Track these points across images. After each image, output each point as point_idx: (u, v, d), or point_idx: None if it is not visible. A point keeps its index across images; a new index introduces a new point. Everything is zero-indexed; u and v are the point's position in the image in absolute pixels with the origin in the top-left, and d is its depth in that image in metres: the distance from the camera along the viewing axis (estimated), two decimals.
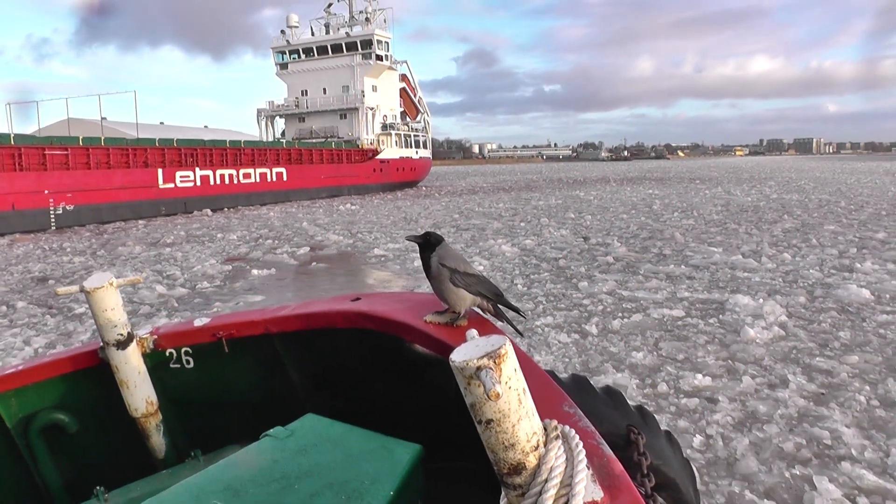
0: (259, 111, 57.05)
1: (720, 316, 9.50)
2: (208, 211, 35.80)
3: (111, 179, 32.25)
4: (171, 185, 35.60)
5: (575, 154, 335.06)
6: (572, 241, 18.39)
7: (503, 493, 1.22)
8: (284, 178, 43.61)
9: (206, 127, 58.05)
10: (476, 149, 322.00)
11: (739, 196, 34.92)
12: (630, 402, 2.54)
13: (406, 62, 61.34)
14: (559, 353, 8.01)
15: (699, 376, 6.97)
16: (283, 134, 57.28)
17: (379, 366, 2.61)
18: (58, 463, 2.67)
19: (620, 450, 1.48)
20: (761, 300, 10.12)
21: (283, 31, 56.60)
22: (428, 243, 2.41)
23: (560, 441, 1.24)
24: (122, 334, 2.53)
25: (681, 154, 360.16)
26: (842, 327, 8.77)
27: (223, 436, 2.49)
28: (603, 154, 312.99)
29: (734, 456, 5.22)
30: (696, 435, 5.62)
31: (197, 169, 37.26)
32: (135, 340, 2.58)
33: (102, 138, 33.52)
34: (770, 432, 5.61)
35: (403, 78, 61.69)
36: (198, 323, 2.72)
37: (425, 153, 63.96)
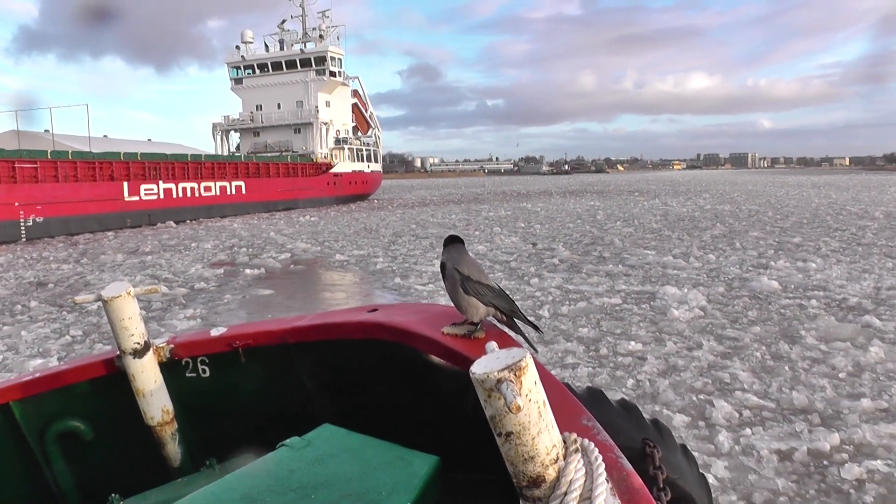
0: (215, 125, 57.90)
1: (651, 302, 11.25)
2: (172, 223, 36.58)
3: (79, 192, 32.97)
4: (137, 198, 36.49)
5: (516, 168, 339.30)
6: (522, 247, 20.11)
7: None
8: (243, 191, 44.83)
9: (149, 140, 57.42)
10: (418, 162, 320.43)
11: (676, 207, 37.43)
12: (645, 416, 2.53)
13: (358, 78, 62.94)
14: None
15: (633, 343, 8.63)
16: (238, 148, 58.17)
17: (396, 377, 2.60)
18: (73, 470, 2.68)
19: (636, 463, 1.53)
20: (686, 290, 11.92)
21: (237, 47, 57.71)
22: (447, 245, 2.44)
23: (579, 454, 1.24)
24: (138, 343, 2.53)
25: (620, 168, 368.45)
26: (750, 308, 10.61)
27: (238, 445, 2.44)
28: (544, 168, 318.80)
29: (657, 391, 6.85)
30: (629, 379, 7.25)
31: (160, 182, 38.27)
32: (151, 349, 2.58)
33: (70, 152, 34.29)
34: (685, 377, 7.28)
35: (355, 93, 63.19)
36: (214, 332, 2.72)
37: (376, 167, 65.48)
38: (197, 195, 40.89)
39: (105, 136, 53.09)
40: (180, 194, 39.63)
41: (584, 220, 30.12)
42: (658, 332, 9.36)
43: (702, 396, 6.66)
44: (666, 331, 9.38)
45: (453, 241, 2.42)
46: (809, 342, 8.47)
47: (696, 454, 5.28)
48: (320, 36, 57.07)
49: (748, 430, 5.78)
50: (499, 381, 1.09)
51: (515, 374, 1.10)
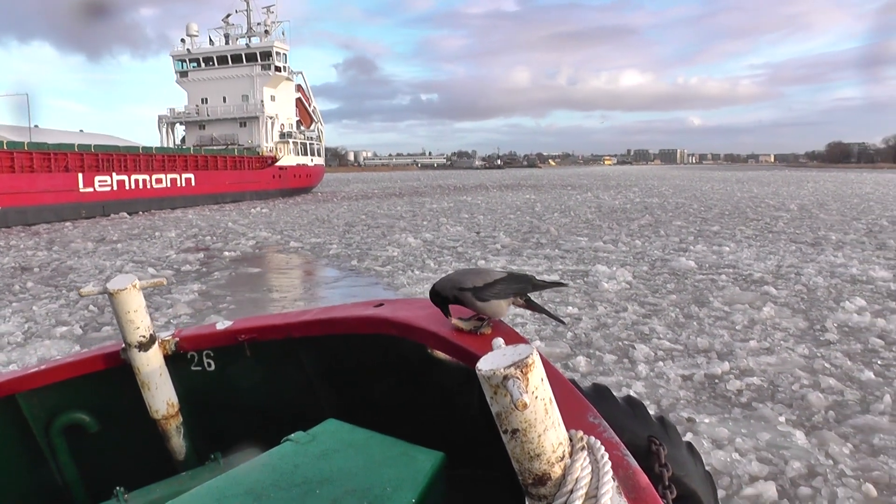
0: (160, 118, 57.37)
1: (585, 278, 12.82)
2: (125, 214, 36.71)
3: (36, 183, 33.04)
4: (91, 189, 36.62)
5: (449, 162, 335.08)
6: (466, 235, 21.59)
7: (527, 503, 1.22)
8: (193, 184, 45.14)
9: (81, 131, 56.33)
10: (352, 156, 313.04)
11: (608, 200, 39.58)
12: (651, 413, 2.52)
13: (302, 73, 63.34)
14: None
15: (570, 308, 10.14)
16: (183, 140, 57.88)
17: (401, 372, 2.59)
18: (78, 462, 2.68)
19: (641, 460, 1.48)
20: (615, 269, 13.53)
21: (182, 40, 57.27)
22: (440, 298, 2.22)
23: (586, 452, 1.24)
24: (144, 336, 2.52)
25: (552, 163, 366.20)
26: (669, 282, 12.30)
27: (243, 439, 2.44)
28: (477, 163, 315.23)
29: (591, 341, 8.35)
30: (569, 333, 8.73)
31: (114, 174, 38.47)
32: (157, 342, 2.58)
33: (26, 143, 34.23)
34: (613, 331, 8.81)
35: (299, 88, 63.53)
36: (220, 326, 2.71)
37: (319, 160, 66.18)
38: (149, 187, 41.22)
39: (36, 126, 51.88)
40: (133, 186, 39.93)
41: (523, 211, 31.81)
42: (591, 300, 10.89)
43: (626, 343, 8.20)
44: (598, 299, 10.92)
45: (442, 285, 2.27)
46: (716, 305, 10.15)
47: (619, 379, 6.87)
48: (266, 31, 57.33)
49: (661, 363, 7.32)
50: (505, 377, 1.08)
51: (522, 371, 1.09)
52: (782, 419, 5.69)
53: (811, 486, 4.58)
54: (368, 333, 2.50)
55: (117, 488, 2.22)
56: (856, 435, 5.39)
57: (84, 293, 2.71)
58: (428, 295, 2.22)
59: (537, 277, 2.34)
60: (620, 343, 8.23)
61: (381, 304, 2.64)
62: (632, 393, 6.38)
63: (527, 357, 1.10)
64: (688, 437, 5.27)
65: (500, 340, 1.28)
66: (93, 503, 2.35)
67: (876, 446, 5.15)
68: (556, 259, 15.64)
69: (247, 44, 57.00)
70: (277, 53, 56.62)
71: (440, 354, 2.31)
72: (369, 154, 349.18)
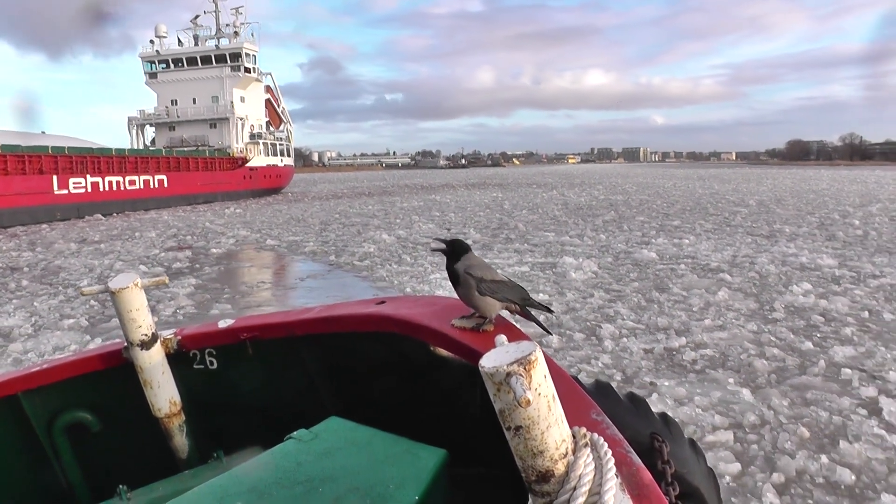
0: (130, 119, 57.10)
1: (553, 269, 13.56)
2: (100, 216, 36.62)
3: (10, 185, 32.81)
4: (66, 192, 36.51)
5: (414, 162, 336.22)
6: (438, 232, 22.38)
7: (530, 500, 1.21)
8: (166, 185, 45.23)
9: (43, 133, 54.26)
10: (316, 156, 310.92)
11: (574, 197, 40.58)
12: (654, 410, 2.52)
13: (271, 74, 63.41)
14: (452, 293, 11.63)
15: (541, 295, 10.83)
16: (153, 142, 57.61)
17: (403, 370, 2.59)
18: (81, 461, 2.68)
19: (644, 457, 1.45)
20: (581, 260, 14.34)
21: (151, 41, 56.94)
22: (454, 252, 2.36)
23: (589, 449, 1.23)
24: (146, 335, 2.52)
25: (516, 162, 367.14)
26: (632, 271, 13.09)
27: (245, 437, 2.45)
28: (441, 162, 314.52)
29: (561, 322, 9.04)
30: (540, 316, 9.38)
31: (88, 176, 38.38)
32: (159, 341, 2.58)
33: (0, 145, 33.87)
34: (581, 314, 9.52)
35: (268, 89, 63.57)
36: (222, 324, 2.71)
37: (289, 161, 66.37)
38: (123, 189, 41.21)
39: (43, 132, 51.17)
40: (107, 188, 39.90)
41: (491, 209, 32.60)
42: (560, 288, 11.61)
43: (593, 323, 8.94)
44: (566, 287, 11.65)
45: (461, 246, 2.39)
46: (675, 291, 10.96)
47: (588, 353, 7.55)
48: (235, 32, 57.28)
49: (625, 340, 8.06)
50: (508, 374, 1.07)
51: (525, 368, 1.08)
52: (731, 381, 6.48)
53: (758, 433, 5.35)
54: (370, 331, 2.51)
55: (120, 487, 2.23)
56: (793, 391, 6.22)
57: (86, 292, 2.71)
58: (425, 293, 2.63)
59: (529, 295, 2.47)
60: (588, 323, 8.95)
61: (383, 302, 2.66)
62: (600, 364, 7.11)
63: (530, 354, 1.10)
64: (652, 398, 6.04)
65: (502, 337, 1.26)
66: (96, 502, 2.34)
67: (809, 399, 5.98)
68: (525, 252, 16.36)
69: (216, 45, 56.99)
70: (247, 55, 56.74)
71: (442, 352, 2.31)
72: (334, 154, 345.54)
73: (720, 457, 4.84)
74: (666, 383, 6.44)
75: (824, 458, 4.81)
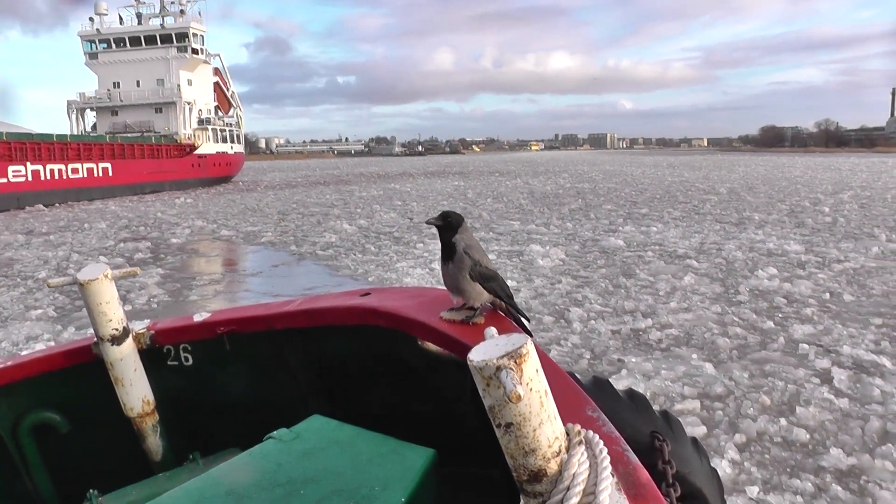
0: (69, 103, 54.37)
1: (520, 257, 13.95)
2: (42, 206, 35.28)
3: None
4: (5, 180, 35.00)
5: (367, 149, 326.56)
6: (401, 221, 22.41)
7: (522, 500, 1.18)
8: (110, 174, 43.63)
9: None
10: (263, 143, 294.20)
11: (539, 186, 40.79)
12: (655, 408, 2.43)
13: (220, 55, 61.32)
14: (422, 280, 11.94)
15: (510, 282, 11.23)
16: (94, 128, 55.28)
17: (389, 365, 2.50)
18: (49, 465, 2.57)
19: (644, 457, 1.40)
20: (548, 248, 14.74)
21: (91, 19, 54.39)
22: (449, 224, 2.21)
23: (583, 447, 1.19)
24: (117, 329, 2.40)
25: (476, 149, 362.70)
26: (599, 259, 13.58)
27: (223, 438, 2.37)
28: (397, 149, 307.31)
29: (530, 307, 9.40)
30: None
31: (28, 163, 36.81)
32: (131, 335, 2.46)
33: None
34: (550, 299, 9.94)
35: (217, 72, 61.62)
36: (197, 318, 2.60)
37: (239, 148, 64.50)
38: (65, 177, 39.67)
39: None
40: (48, 176, 38.43)
41: (454, 198, 32.82)
42: (528, 275, 12.03)
43: (562, 307, 9.36)
44: (534, 274, 12.07)
45: (456, 218, 2.23)
46: (642, 277, 11.43)
47: (558, 334, 8.08)
48: (181, 11, 55.23)
49: (593, 322, 8.48)
50: (498, 368, 1.03)
51: (516, 362, 1.04)
52: (695, 357, 7.00)
53: (723, 401, 5.84)
54: (355, 324, 2.42)
55: (90, 491, 2.12)
56: (753, 365, 6.76)
57: (52, 284, 2.53)
58: (417, 284, 2.73)
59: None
60: (557, 307, 9.40)
61: (368, 294, 2.58)
62: (569, 344, 7.63)
63: (521, 347, 1.06)
64: (621, 373, 6.53)
65: (492, 330, 1.24)
66: None
67: (767, 371, 6.52)
68: (491, 241, 16.73)
69: (161, 24, 54.74)
70: (194, 35, 54.89)
71: (431, 346, 2.24)
72: (282, 141, 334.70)
73: (687, 422, 5.22)
74: (633, 360, 6.90)
75: (783, 421, 5.31)
